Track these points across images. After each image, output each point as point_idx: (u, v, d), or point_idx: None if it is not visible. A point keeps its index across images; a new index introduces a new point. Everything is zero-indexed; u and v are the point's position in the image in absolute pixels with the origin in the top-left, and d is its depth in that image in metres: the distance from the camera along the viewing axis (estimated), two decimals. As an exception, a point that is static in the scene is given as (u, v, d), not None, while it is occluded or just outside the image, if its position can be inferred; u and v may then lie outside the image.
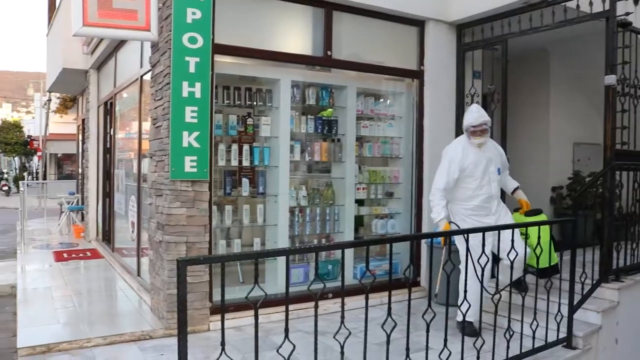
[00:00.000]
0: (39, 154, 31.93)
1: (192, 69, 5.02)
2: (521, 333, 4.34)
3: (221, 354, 2.74)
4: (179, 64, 4.99)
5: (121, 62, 8.24)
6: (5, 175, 34.78)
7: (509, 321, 4.26)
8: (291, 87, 5.97)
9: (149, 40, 5.45)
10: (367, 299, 3.22)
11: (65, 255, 8.85)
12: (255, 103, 5.96)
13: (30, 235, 11.23)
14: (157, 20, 5.31)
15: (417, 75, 6.74)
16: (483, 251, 4.02)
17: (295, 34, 6.14)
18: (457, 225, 4.90)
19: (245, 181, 5.79)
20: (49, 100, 28.40)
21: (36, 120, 38.94)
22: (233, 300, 5.20)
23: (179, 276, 2.53)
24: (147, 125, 6.58)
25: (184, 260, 2.53)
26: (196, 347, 4.71)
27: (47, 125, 29.76)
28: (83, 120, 12.15)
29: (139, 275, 6.81)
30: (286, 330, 2.90)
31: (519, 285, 4.95)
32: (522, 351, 4.27)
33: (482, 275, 4.11)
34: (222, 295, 2.73)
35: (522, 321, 4.36)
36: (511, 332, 4.18)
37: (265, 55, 5.77)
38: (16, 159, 41.91)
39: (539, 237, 4.47)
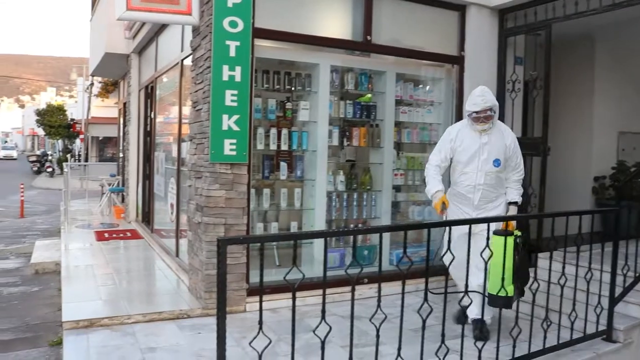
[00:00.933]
0: (82, 136, 32.68)
1: (232, 53, 5.06)
2: (559, 324, 4.29)
3: (259, 332, 2.77)
4: (219, 48, 5.03)
5: (162, 47, 8.35)
6: (50, 157, 35.74)
7: (547, 311, 4.22)
8: (330, 71, 5.95)
9: (190, 24, 5.50)
10: (403, 283, 3.21)
11: (106, 235, 9.07)
12: (294, 87, 5.97)
13: (73, 215, 11.52)
14: (198, 4, 5.35)
15: (457, 60, 6.65)
16: (450, 248, 3.67)
17: (335, 19, 6.11)
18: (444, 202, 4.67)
19: (283, 165, 5.82)
20: (91, 84, 29.02)
21: (79, 104, 39.91)
22: (270, 283, 5.25)
23: (219, 255, 2.56)
24: (186, 109, 6.68)
25: (224, 239, 2.56)
26: (233, 327, 4.79)
27: (89, 109, 30.43)
28: (124, 104, 12.38)
29: (177, 256, 6.94)
30: (323, 312, 2.93)
31: (479, 326, 4.52)
32: (560, 342, 4.22)
33: (467, 266, 3.77)
34: (261, 274, 2.76)
35: (560, 312, 4.30)
36: (548, 322, 4.13)
37: (304, 39, 5.76)
38: (59, 141, 43.03)
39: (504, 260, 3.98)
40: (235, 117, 5.05)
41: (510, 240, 4.25)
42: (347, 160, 6.60)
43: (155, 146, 9.02)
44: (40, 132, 45.94)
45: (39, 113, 39.79)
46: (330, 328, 2.93)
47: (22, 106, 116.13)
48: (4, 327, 5.52)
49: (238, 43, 5.08)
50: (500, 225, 4.36)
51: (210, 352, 4.34)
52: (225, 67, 5.03)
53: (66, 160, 32.09)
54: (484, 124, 4.58)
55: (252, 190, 5.51)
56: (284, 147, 5.77)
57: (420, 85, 6.78)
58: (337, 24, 6.09)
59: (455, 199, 4.81)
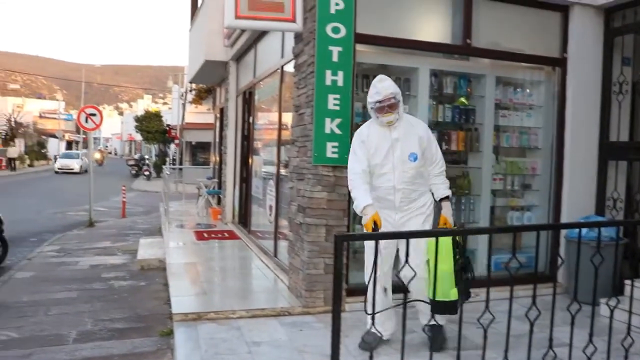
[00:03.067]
0: (177, 141, 34.12)
1: (335, 58, 5.20)
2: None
3: (372, 322, 2.85)
4: (322, 54, 5.18)
5: (261, 53, 8.64)
6: (147, 161, 37.58)
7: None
8: (429, 75, 5.98)
9: (294, 30, 5.69)
10: (512, 279, 3.21)
11: (205, 235, 9.47)
12: (394, 91, 6.02)
13: (172, 216, 12.10)
14: (301, 11, 5.54)
15: (559, 62, 6.47)
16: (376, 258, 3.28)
17: (435, 23, 6.14)
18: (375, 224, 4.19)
19: (382, 168, 5.89)
20: (187, 91, 30.27)
21: (173, 111, 41.66)
22: (366, 285, 5.34)
23: (336, 251, 2.66)
24: (286, 114, 6.89)
25: (342, 236, 2.67)
26: (333, 326, 4.90)
27: (184, 115, 31.74)
28: (221, 109, 12.87)
29: (275, 256, 7.16)
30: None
31: (436, 335, 4.21)
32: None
33: (373, 278, 3.38)
34: (374, 270, 2.87)
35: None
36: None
37: (404, 44, 5.83)
38: (155, 146, 45.16)
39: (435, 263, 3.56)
40: (337, 120, 5.19)
41: (449, 241, 4.03)
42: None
43: (253, 150, 9.33)
44: (138, 137, 48.34)
45: (137, 119, 41.99)
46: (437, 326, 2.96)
47: (121, 113, 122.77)
48: (119, 317, 5.91)
49: (340, 48, 5.21)
50: (429, 225, 4.38)
51: (312, 347, 4.48)
52: (328, 72, 5.18)
53: (163, 164, 33.62)
54: (389, 114, 4.20)
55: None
56: (383, 150, 5.82)
57: (520, 89, 6.66)
58: (436, 28, 6.12)
59: (376, 203, 4.28)
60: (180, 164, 29.70)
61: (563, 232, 6.13)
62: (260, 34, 8.28)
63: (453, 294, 4.00)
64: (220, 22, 10.35)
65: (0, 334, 5.30)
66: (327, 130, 5.17)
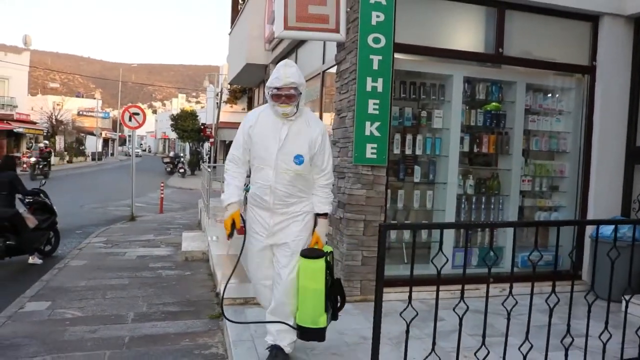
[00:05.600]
0: (211, 140, 34.86)
1: (375, 66, 5.63)
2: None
3: (408, 305, 3.26)
4: (364, 62, 5.62)
5: (302, 58, 9.08)
6: (182, 159, 38.45)
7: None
8: (463, 82, 6.35)
9: (338, 40, 6.13)
10: (534, 270, 3.54)
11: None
12: (428, 97, 6.42)
13: (211, 211, 12.62)
14: (345, 22, 5.96)
15: (588, 70, 6.77)
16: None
17: (468, 33, 6.51)
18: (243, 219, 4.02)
19: (417, 168, 6.29)
20: (222, 91, 30.97)
21: (207, 110, 42.49)
22: (400, 276, 5.76)
23: (380, 239, 3.09)
24: (327, 116, 7.33)
25: (385, 225, 3.10)
26: (369, 313, 5.26)
27: (218, 114, 32.44)
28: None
29: (314, 249, 7.59)
30: (462, 296, 3.36)
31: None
32: None
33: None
34: (412, 259, 3.26)
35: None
36: None
37: (440, 52, 6.22)
38: (188, 144, 46.08)
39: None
40: (376, 124, 5.62)
41: (321, 264, 3.81)
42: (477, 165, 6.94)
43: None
44: (172, 135, 49.31)
45: (173, 118, 42.94)
46: (462, 316, 3.36)
47: (155, 111, 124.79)
48: (170, 301, 6.42)
49: (380, 57, 5.64)
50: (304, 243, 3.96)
51: (351, 331, 4.92)
52: (369, 79, 5.61)
53: (197, 163, 34.33)
54: (285, 106, 3.75)
55: (388, 191, 6.03)
56: (419, 151, 6.23)
57: (550, 95, 6.98)
58: (470, 37, 6.49)
59: (252, 201, 4.03)
60: (215, 162, 30.39)
61: (588, 232, 6.45)
62: (302, 41, 8.72)
63: (322, 321, 3.86)
64: (260, 28, 10.89)
65: (67, 313, 5.86)
66: (367, 133, 5.60)
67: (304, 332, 3.92)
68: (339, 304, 4.10)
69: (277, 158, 3.81)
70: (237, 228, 3.94)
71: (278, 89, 3.74)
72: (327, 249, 3.99)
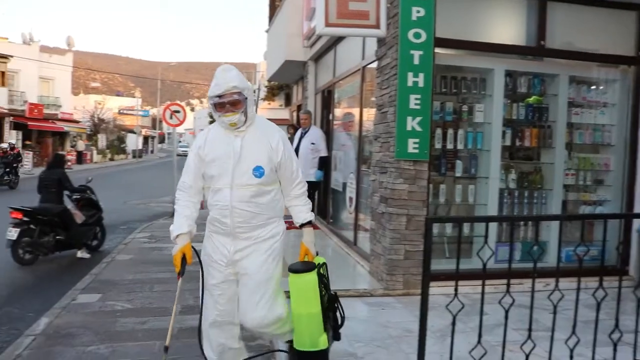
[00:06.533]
0: (249, 137, 35.11)
1: (416, 61, 5.65)
2: None
3: (454, 298, 3.30)
4: (404, 57, 5.65)
5: (341, 54, 9.15)
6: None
7: None
8: (504, 75, 6.31)
9: (378, 36, 6.16)
10: (580, 264, 3.53)
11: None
12: (469, 91, 6.41)
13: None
14: (385, 18, 6.00)
15: (634, 61, 6.63)
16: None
17: (509, 26, 6.47)
18: (195, 251, 3.50)
19: (458, 163, 6.30)
20: (259, 88, 31.24)
21: (245, 107, 42.76)
22: (442, 271, 5.75)
23: (426, 232, 3.14)
24: (367, 111, 7.38)
25: (431, 218, 3.14)
26: (413, 306, 5.40)
27: (256, 111, 32.74)
28: (298, 106, 13.49)
29: (355, 244, 7.67)
30: (508, 289, 3.39)
31: None
32: None
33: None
34: (458, 252, 3.30)
35: None
36: None
37: (480, 46, 6.20)
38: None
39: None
40: (418, 118, 5.65)
41: (311, 277, 3.44)
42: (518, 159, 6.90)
43: (333, 145, 9.86)
44: (210, 132, 49.88)
45: (211, 115, 43.44)
46: (508, 309, 3.37)
47: (192, 109, 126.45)
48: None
49: (421, 52, 5.66)
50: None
51: (394, 323, 4.98)
52: (410, 74, 5.64)
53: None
54: (231, 114, 3.33)
55: (430, 185, 6.05)
56: (460, 146, 6.24)
57: (594, 87, 6.88)
58: (511, 30, 6.45)
59: (211, 227, 3.60)
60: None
61: (634, 226, 6.35)
62: (341, 37, 8.77)
63: (322, 342, 3.47)
64: (299, 24, 10.98)
65: (117, 305, 6.05)
66: (409, 128, 5.64)
67: (304, 358, 3.50)
68: (339, 322, 3.76)
69: (234, 174, 3.38)
70: (189, 263, 3.42)
71: (220, 96, 3.33)
72: (319, 260, 3.63)
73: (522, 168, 6.72)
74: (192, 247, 3.45)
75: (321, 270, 3.61)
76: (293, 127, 12.70)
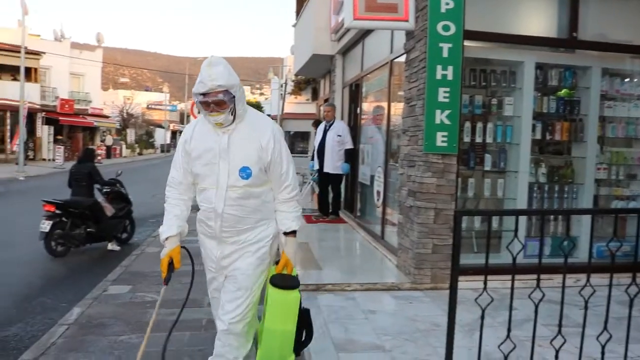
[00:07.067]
0: (277, 131, 35.26)
1: (445, 54, 5.60)
2: None
3: (483, 291, 3.28)
4: (433, 50, 5.60)
5: (368, 48, 9.12)
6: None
7: None
8: (534, 68, 6.22)
9: (407, 29, 6.13)
10: (612, 259, 3.48)
11: (313, 218, 10.11)
12: (499, 84, 6.33)
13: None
14: (414, 11, 5.96)
15: (670, 53, 6.50)
16: None
17: (540, 18, 6.37)
18: (187, 250, 3.33)
19: (487, 157, 6.22)
20: (286, 82, 31.34)
21: (272, 101, 43.03)
22: (470, 265, 5.73)
23: (455, 225, 3.12)
24: (395, 105, 7.35)
25: (460, 211, 3.12)
26: (440, 300, 5.38)
27: (283, 105, 32.86)
28: (325, 100, 13.48)
29: (382, 238, 7.66)
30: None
31: None
32: None
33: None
34: (487, 245, 3.27)
35: None
36: None
37: (510, 39, 6.12)
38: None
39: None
40: (447, 112, 5.60)
41: (295, 295, 3.19)
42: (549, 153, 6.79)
43: (360, 138, 9.85)
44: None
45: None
46: (538, 303, 3.34)
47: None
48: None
49: (450, 45, 5.61)
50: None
51: (422, 317, 4.96)
52: (439, 67, 5.60)
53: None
54: (217, 114, 3.04)
55: (459, 179, 6.00)
56: (489, 139, 6.17)
57: (627, 79, 6.73)
58: (542, 22, 6.35)
59: (199, 228, 3.44)
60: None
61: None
62: (368, 30, 8.74)
63: None
64: (326, 19, 10.97)
65: (147, 296, 6.15)
66: (437, 121, 5.60)
67: None
68: (303, 339, 3.43)
69: (220, 174, 3.15)
70: (177, 268, 3.24)
71: (204, 95, 3.03)
72: (294, 271, 3.39)
73: (553, 162, 6.62)
74: (185, 247, 3.31)
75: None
76: (316, 122, 12.72)
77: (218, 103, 3.01)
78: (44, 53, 35.63)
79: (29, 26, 27.71)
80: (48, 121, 36.39)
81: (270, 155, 3.16)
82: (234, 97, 3.04)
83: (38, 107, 34.74)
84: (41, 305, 6.17)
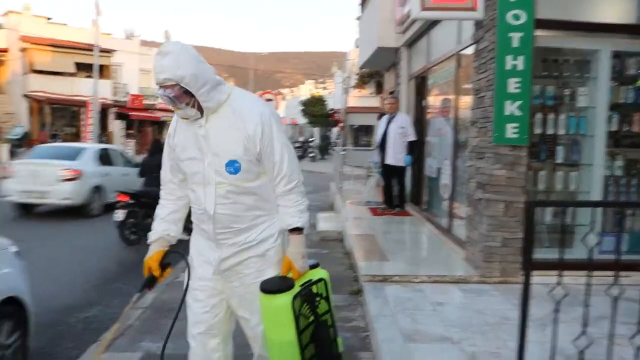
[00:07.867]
0: (340, 125, 35.45)
1: (515, 44, 5.49)
2: None
3: (556, 285, 3.22)
4: (503, 40, 5.51)
5: (434, 40, 9.02)
6: (312, 144, 39.51)
7: None
8: (610, 57, 6.00)
9: (475, 19, 6.04)
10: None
11: (378, 210, 10.11)
12: (572, 74, 6.14)
13: (344, 194, 12.92)
14: (483, 0, 5.87)
15: None
16: None
17: (617, 3, 6.15)
18: (181, 254, 3.04)
19: (559, 149, 6.06)
20: (349, 76, 31.37)
21: (335, 95, 43.21)
22: (540, 260, 5.55)
23: (527, 217, 3.08)
24: (462, 97, 7.26)
25: (533, 202, 3.09)
26: (510, 294, 5.31)
27: (347, 99, 32.93)
28: (390, 93, 13.43)
29: (450, 231, 7.60)
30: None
31: None
32: None
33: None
34: (562, 237, 3.22)
35: None
36: None
37: (585, 27, 5.91)
38: (316, 129, 47.25)
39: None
40: (517, 103, 5.50)
41: (283, 300, 2.69)
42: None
43: (427, 131, 9.77)
44: (300, 121, 50.79)
45: (303, 103, 44.21)
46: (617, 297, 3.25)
47: (283, 98, 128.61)
48: (312, 278, 6.72)
49: (520, 34, 5.50)
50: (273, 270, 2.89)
51: (491, 311, 4.91)
52: (509, 57, 5.49)
53: (327, 147, 35.10)
54: (177, 109, 2.71)
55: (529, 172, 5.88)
56: (562, 131, 6.00)
57: None
58: (619, 8, 6.13)
59: (195, 228, 3.09)
60: (344, 146, 30.93)
61: None
62: (434, 22, 8.65)
63: None
64: (391, 11, 10.92)
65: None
66: (507, 112, 5.50)
67: None
68: (332, 354, 2.97)
69: (205, 171, 2.79)
70: (157, 276, 2.96)
71: (160, 86, 2.66)
72: (315, 274, 2.97)
73: (630, 155, 6.38)
74: (179, 252, 3.06)
75: (315, 289, 2.91)
76: (381, 115, 12.69)
77: (177, 97, 2.63)
78: (115, 51, 37.01)
79: (102, 26, 28.77)
80: (119, 116, 37.82)
81: (259, 144, 2.74)
82: (191, 87, 2.62)
83: (110, 102, 36.14)
84: (118, 290, 6.49)
